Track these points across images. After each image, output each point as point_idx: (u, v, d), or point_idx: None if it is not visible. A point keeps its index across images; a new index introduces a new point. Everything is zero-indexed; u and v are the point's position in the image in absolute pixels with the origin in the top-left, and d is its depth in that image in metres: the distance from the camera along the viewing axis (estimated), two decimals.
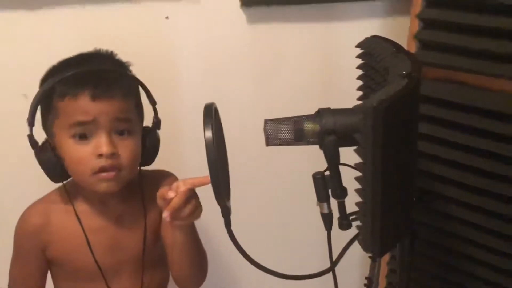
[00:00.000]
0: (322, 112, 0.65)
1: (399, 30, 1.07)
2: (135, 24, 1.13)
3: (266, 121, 0.66)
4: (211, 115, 0.65)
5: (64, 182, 0.88)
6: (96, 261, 0.91)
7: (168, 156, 0.97)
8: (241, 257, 0.71)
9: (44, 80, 0.87)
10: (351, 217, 0.68)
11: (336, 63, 1.22)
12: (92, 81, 0.82)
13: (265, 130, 0.66)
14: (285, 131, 0.66)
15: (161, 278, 1.01)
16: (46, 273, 0.96)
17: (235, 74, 1.21)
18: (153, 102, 0.91)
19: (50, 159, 0.84)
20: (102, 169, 0.83)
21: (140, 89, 0.91)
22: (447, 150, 1.00)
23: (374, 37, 0.77)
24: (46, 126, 0.88)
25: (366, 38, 0.78)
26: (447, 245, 1.06)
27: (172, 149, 1.11)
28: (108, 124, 0.83)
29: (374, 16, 1.22)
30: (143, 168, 0.92)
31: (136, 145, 0.87)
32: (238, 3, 1.14)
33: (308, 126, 0.65)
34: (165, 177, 0.98)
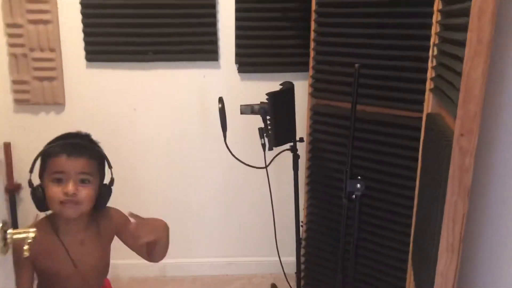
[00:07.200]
0: (261, 103, 1.84)
1: None
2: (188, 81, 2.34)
3: (241, 105, 1.85)
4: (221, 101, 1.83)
5: (47, 212, 1.33)
6: (75, 265, 1.32)
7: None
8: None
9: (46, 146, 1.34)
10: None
11: None
12: (68, 148, 1.30)
13: (240, 108, 1.84)
14: (247, 108, 1.84)
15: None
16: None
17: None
18: (109, 166, 1.38)
19: (39, 195, 1.29)
20: (66, 201, 1.27)
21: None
22: None
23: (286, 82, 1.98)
24: (40, 175, 1.33)
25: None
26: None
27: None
28: (74, 175, 1.28)
29: None
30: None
31: (92, 191, 1.32)
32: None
33: (255, 107, 1.84)
34: (114, 213, 1.43)
